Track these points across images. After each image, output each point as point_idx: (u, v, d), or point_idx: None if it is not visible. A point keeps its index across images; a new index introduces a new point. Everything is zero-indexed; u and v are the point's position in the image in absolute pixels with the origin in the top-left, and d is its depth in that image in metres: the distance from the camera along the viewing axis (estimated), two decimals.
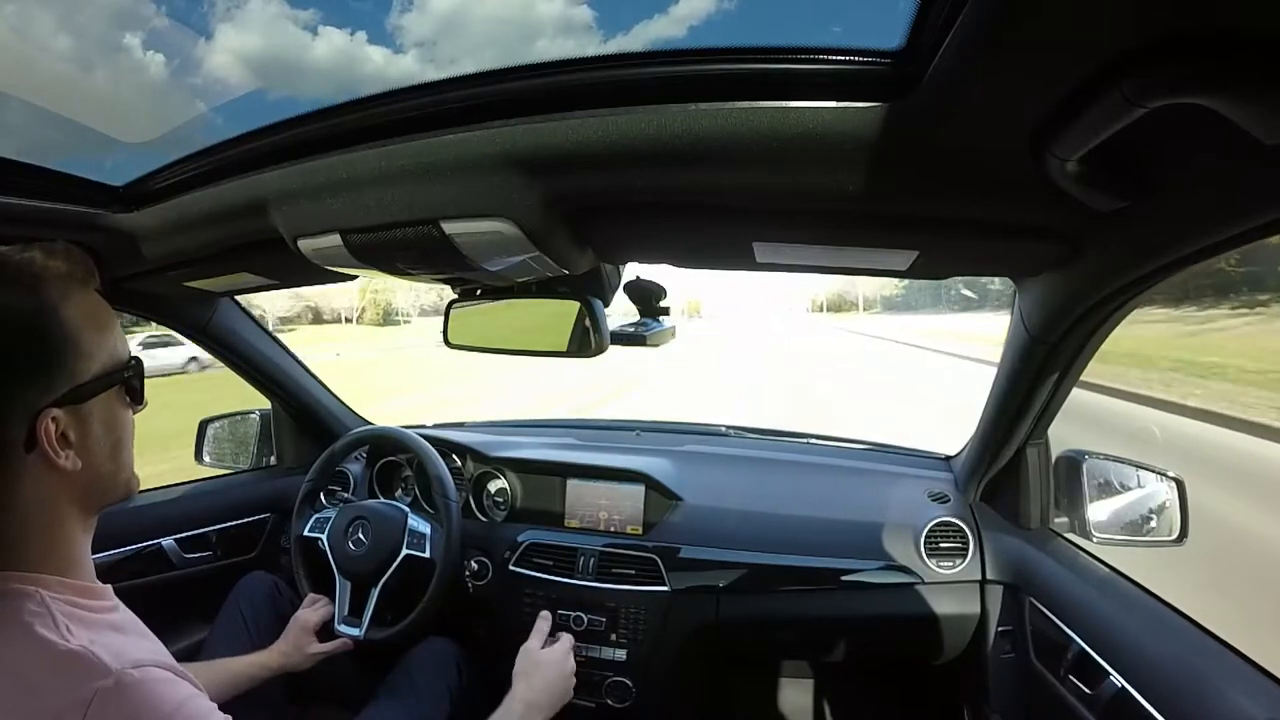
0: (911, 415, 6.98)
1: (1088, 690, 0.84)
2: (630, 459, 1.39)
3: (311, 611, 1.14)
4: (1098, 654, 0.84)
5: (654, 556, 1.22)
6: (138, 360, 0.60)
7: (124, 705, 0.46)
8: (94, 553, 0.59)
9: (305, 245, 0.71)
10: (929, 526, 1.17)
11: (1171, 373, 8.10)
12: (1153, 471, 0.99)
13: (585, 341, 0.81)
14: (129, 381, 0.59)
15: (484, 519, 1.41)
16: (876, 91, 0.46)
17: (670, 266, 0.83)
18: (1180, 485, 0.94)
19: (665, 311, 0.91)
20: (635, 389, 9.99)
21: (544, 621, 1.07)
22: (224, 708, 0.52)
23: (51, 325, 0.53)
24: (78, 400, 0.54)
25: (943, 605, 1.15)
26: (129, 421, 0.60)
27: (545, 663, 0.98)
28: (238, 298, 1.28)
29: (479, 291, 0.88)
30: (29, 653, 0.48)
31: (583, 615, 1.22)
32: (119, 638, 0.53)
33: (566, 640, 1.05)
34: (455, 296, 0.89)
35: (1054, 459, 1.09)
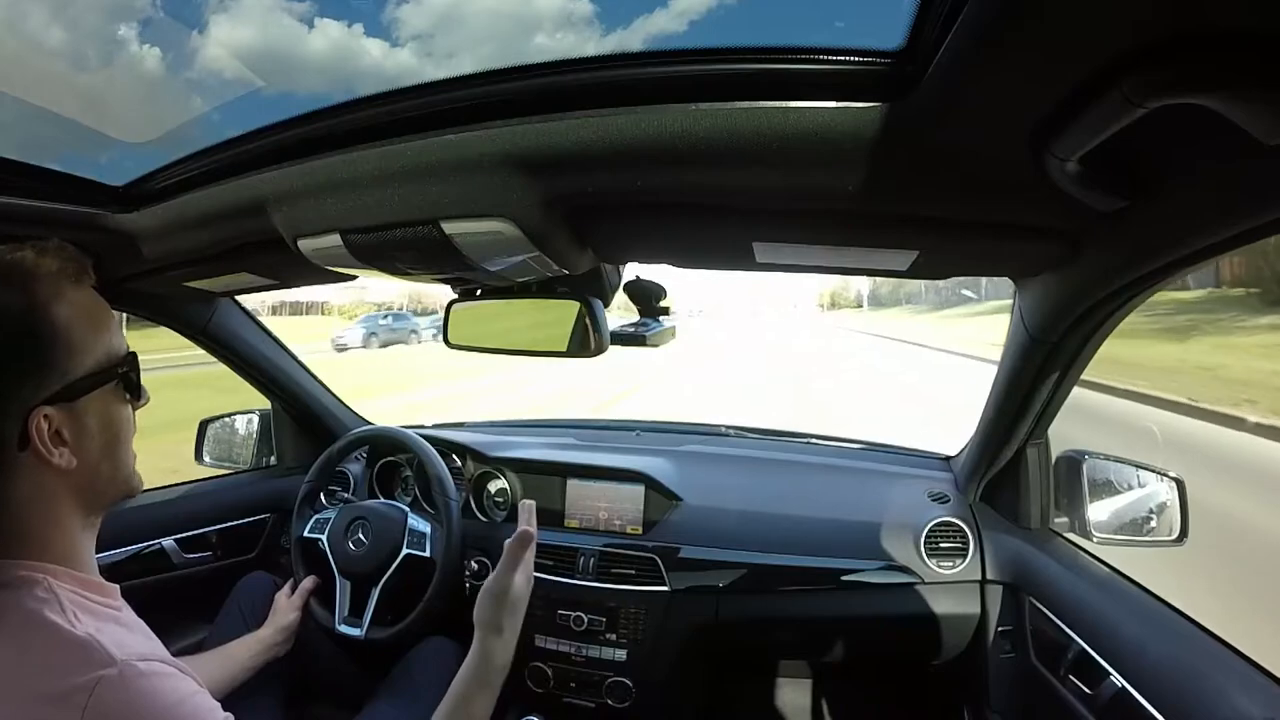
0: None
1: (1088, 690, 0.84)
2: (630, 459, 1.39)
3: (286, 592, 1.17)
4: (1098, 654, 0.84)
5: (654, 556, 1.22)
6: (133, 355, 0.60)
7: (126, 695, 0.46)
8: (96, 553, 0.58)
9: (305, 245, 0.71)
10: (929, 526, 1.17)
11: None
12: (1153, 471, 0.99)
13: (585, 341, 0.81)
14: (125, 377, 0.58)
15: (484, 519, 1.41)
16: (876, 91, 0.46)
17: (670, 266, 0.83)
18: (1180, 485, 0.94)
19: (665, 311, 0.91)
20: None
21: (527, 560, 0.76)
22: (224, 707, 0.53)
23: (42, 323, 0.53)
24: (71, 398, 0.53)
25: (943, 605, 1.15)
26: (128, 418, 0.60)
27: (521, 602, 0.75)
28: (237, 297, 1.28)
29: (479, 291, 0.88)
30: (35, 636, 0.48)
31: (583, 615, 1.22)
32: (125, 632, 0.53)
33: (529, 561, 0.77)
34: (455, 296, 0.89)
35: (1054, 459, 1.09)
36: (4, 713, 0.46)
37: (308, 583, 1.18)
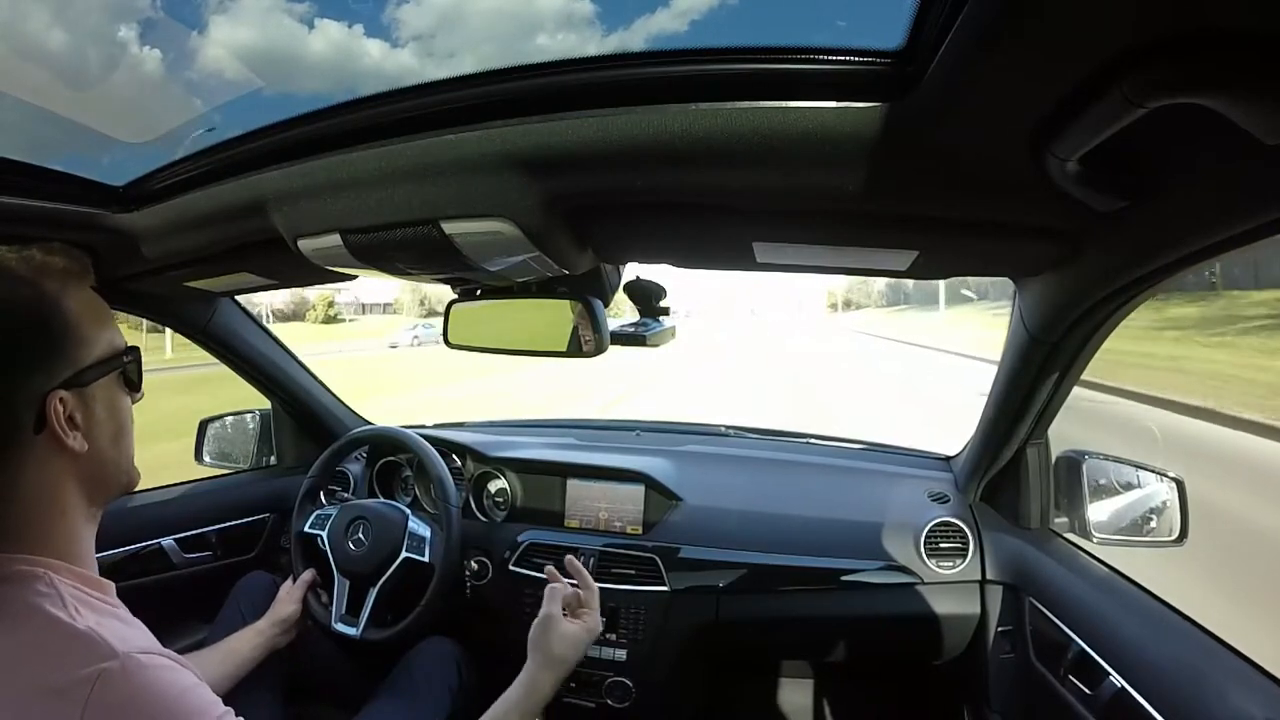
0: None
1: (1088, 690, 0.84)
2: (630, 459, 1.39)
3: (288, 585, 1.17)
4: (1098, 654, 0.84)
5: (654, 557, 1.22)
6: (135, 349, 0.62)
7: (127, 687, 0.47)
8: (95, 552, 0.59)
9: (305, 245, 0.71)
10: (929, 526, 1.17)
11: None
12: (1152, 471, 0.99)
13: (585, 341, 0.81)
14: (127, 368, 0.61)
15: (484, 519, 1.41)
16: (876, 91, 0.46)
17: (670, 266, 0.83)
18: (1180, 485, 0.94)
19: (665, 311, 0.91)
20: None
21: (556, 590, 0.94)
22: (224, 702, 0.53)
23: (53, 314, 0.55)
24: (81, 384, 0.56)
25: (943, 605, 1.15)
26: (129, 409, 0.63)
27: (571, 640, 0.88)
28: (237, 297, 1.28)
29: (479, 291, 0.88)
30: (37, 630, 0.49)
31: None
32: (125, 627, 0.54)
33: (595, 620, 0.94)
34: (455, 296, 0.89)
35: (1054, 459, 1.09)
36: (5, 705, 0.46)
37: (307, 575, 1.18)
